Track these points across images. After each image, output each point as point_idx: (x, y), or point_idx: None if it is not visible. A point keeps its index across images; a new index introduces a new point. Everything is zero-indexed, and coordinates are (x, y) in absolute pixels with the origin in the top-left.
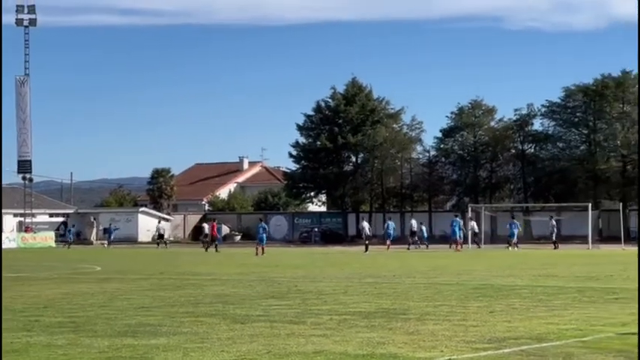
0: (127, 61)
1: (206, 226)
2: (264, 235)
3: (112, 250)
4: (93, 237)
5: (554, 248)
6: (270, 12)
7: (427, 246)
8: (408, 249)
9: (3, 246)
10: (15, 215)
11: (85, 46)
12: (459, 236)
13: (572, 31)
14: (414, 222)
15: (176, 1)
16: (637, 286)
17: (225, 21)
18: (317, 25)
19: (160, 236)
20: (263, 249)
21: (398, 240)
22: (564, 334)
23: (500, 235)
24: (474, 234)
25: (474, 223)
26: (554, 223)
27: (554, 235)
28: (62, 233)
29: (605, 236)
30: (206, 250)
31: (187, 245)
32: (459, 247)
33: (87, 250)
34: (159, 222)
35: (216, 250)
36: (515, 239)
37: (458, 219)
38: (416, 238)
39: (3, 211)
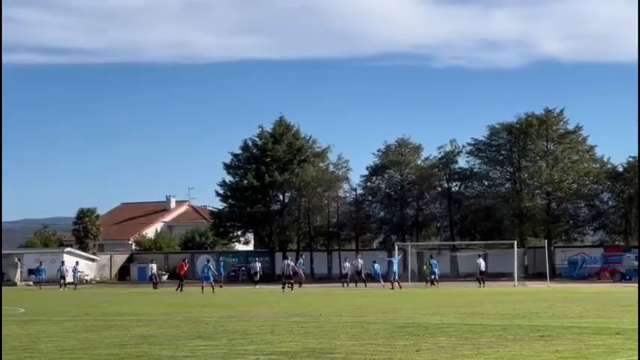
0: (50, 100)
1: (154, 267)
2: (210, 274)
3: (38, 291)
4: (17, 278)
5: (481, 285)
6: (196, 50)
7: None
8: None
9: None
10: None
11: (9, 85)
12: (396, 275)
13: (496, 69)
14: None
15: (100, 39)
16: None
17: (150, 59)
18: (242, 63)
19: (62, 277)
20: (204, 287)
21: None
22: None
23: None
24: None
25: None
26: (480, 261)
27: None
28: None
29: (530, 273)
30: (179, 289)
31: (113, 285)
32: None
33: (11, 292)
34: (62, 264)
35: (181, 290)
36: (435, 277)
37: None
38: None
39: None
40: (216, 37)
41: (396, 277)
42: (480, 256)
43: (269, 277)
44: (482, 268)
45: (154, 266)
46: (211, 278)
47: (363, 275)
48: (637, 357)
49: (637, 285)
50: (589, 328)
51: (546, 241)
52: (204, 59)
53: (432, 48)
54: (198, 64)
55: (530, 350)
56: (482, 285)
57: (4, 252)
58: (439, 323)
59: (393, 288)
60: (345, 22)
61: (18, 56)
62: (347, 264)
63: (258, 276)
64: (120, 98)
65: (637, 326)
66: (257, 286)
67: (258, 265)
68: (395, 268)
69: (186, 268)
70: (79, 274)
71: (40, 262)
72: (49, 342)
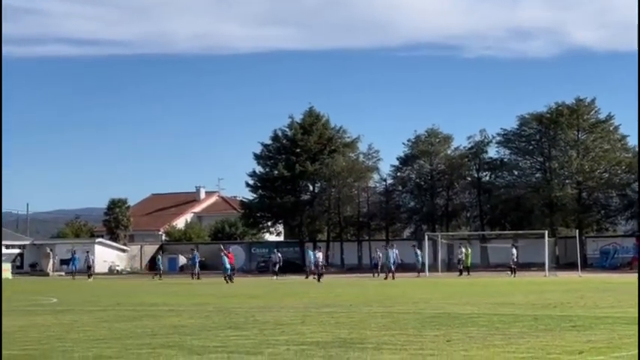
0: (83, 92)
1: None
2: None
3: (71, 281)
4: (49, 268)
5: (512, 275)
6: (225, 41)
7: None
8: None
9: None
10: None
11: (40, 77)
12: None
13: (526, 58)
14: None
15: (129, 30)
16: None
17: (180, 51)
18: (271, 54)
19: (88, 267)
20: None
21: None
22: None
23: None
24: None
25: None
26: (513, 251)
27: (511, 263)
28: (18, 265)
29: (561, 263)
30: (229, 281)
31: (144, 276)
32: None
33: (43, 282)
34: (87, 252)
35: (231, 281)
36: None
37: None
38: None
39: None
40: (245, 28)
41: (392, 268)
42: (513, 245)
43: (298, 267)
44: (515, 257)
45: (197, 255)
46: (228, 269)
47: (393, 266)
48: (637, 354)
49: None
50: (621, 318)
51: (577, 231)
52: (233, 50)
53: (462, 38)
54: (227, 55)
55: (562, 340)
56: (513, 275)
57: (36, 242)
58: (470, 313)
59: (386, 278)
60: (374, 12)
61: (48, 48)
62: (379, 254)
63: (277, 267)
64: (150, 89)
65: (637, 323)
66: (275, 277)
67: (278, 255)
68: (392, 258)
69: (230, 256)
70: (160, 264)
71: (74, 252)
72: (81, 332)
